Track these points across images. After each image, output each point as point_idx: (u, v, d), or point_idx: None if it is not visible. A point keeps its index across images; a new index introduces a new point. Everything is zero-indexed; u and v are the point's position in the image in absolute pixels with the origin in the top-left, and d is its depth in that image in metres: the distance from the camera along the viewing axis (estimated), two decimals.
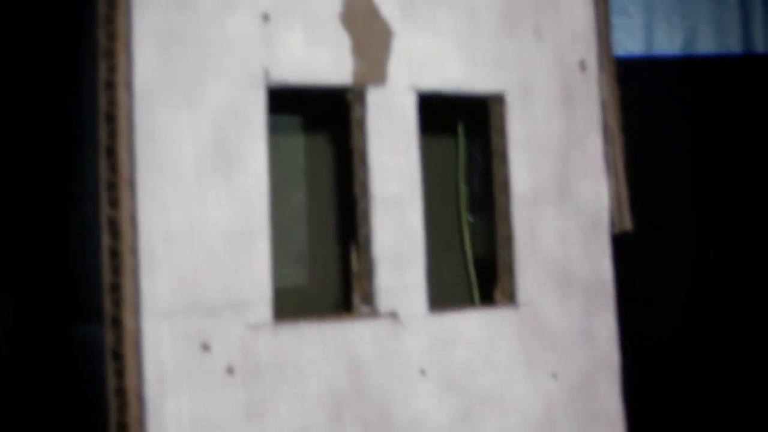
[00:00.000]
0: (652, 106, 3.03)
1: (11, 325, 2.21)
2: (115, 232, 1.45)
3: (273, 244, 1.65)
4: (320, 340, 1.55)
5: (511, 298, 1.71)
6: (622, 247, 2.80)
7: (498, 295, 1.72)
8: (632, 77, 2.99)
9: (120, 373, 1.45)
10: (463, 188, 1.88)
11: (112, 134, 1.47)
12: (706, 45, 3.27)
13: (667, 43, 3.25)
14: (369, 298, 1.61)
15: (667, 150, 3.02)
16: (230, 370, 1.49)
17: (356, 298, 1.62)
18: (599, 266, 1.79)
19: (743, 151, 3.15)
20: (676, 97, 3.09)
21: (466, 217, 1.90)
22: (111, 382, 1.44)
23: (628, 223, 1.82)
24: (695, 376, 2.98)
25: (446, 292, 1.79)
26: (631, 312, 2.78)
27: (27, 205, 2.24)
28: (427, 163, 1.73)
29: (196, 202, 1.49)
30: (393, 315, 1.60)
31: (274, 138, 1.82)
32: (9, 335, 2.21)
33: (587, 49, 1.82)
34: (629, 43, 3.12)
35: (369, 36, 1.63)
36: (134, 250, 1.45)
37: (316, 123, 2.07)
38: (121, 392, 1.44)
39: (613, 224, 1.82)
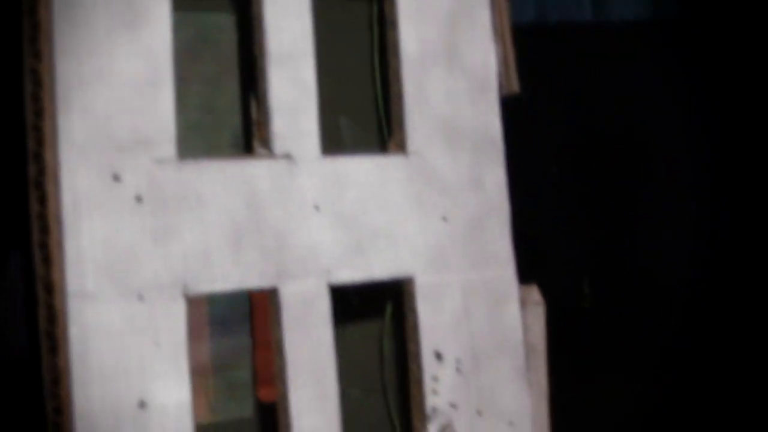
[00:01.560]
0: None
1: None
2: (37, 81, 1.68)
3: (210, 131, 1.88)
4: (221, 176, 1.76)
5: (401, 147, 1.91)
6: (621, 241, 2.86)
7: (391, 146, 1.92)
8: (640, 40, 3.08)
9: (42, 200, 1.67)
10: (375, 40, 2.01)
11: None
12: None
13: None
14: (266, 142, 1.82)
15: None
16: (139, 199, 1.71)
17: (255, 143, 1.83)
18: (487, 123, 1.98)
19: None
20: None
21: (377, 64, 2.01)
22: (34, 209, 1.67)
23: (515, 85, 2.00)
24: (695, 375, 2.98)
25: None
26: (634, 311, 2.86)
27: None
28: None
29: (106, 54, 1.72)
30: (287, 156, 1.81)
31: (212, 35, 2.05)
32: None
33: None
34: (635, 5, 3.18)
35: None
36: (52, 95, 1.68)
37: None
38: (42, 217, 1.67)
39: (501, 86, 2.00)
